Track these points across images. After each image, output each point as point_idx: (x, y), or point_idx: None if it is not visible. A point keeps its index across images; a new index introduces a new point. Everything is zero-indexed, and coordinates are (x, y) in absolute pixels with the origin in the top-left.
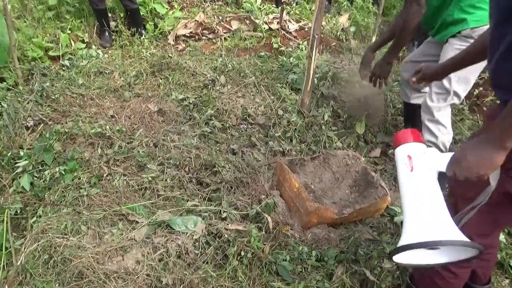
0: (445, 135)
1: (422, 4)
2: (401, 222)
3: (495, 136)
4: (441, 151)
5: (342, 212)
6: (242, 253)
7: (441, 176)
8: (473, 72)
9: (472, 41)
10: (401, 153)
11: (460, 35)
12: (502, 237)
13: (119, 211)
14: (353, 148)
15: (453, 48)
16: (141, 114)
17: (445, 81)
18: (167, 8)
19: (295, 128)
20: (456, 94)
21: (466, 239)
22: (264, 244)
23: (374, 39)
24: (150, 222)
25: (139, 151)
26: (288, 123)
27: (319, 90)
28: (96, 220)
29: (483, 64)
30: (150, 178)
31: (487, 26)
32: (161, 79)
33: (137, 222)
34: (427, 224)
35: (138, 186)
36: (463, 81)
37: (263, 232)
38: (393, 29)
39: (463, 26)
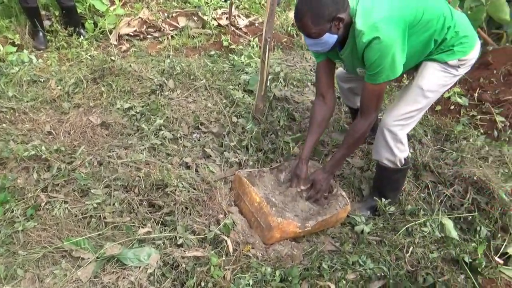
0: (403, 153)
1: (378, 112)
2: (362, 231)
3: None
4: (397, 167)
5: (305, 225)
6: (202, 284)
7: None
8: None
9: (456, 71)
10: None
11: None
12: (455, 234)
13: (61, 247)
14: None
15: (435, 69)
16: (82, 128)
17: (413, 106)
18: (107, 5)
19: (251, 136)
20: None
21: None
22: (225, 270)
23: None
24: (97, 257)
25: (81, 173)
26: (243, 130)
27: (271, 92)
28: (35, 261)
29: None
30: (95, 205)
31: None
32: (103, 86)
33: (82, 259)
34: None
35: (82, 214)
36: (431, 103)
37: (223, 257)
38: (321, 127)
39: (449, 57)
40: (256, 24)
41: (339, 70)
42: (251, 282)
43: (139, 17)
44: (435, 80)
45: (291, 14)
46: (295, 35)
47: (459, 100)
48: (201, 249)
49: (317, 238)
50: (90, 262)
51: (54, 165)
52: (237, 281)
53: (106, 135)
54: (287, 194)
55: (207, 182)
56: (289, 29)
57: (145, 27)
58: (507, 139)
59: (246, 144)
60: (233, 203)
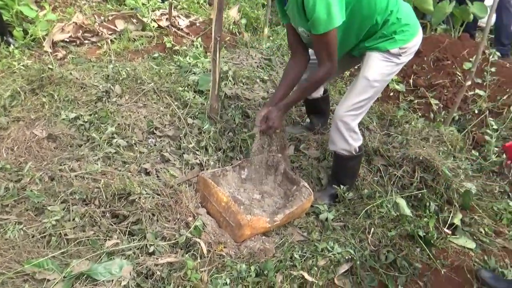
0: (357, 141)
1: (335, 63)
2: (326, 219)
3: None
4: (352, 155)
5: (273, 219)
6: None
7: None
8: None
9: (399, 60)
10: None
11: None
12: (408, 211)
13: (22, 270)
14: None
15: (378, 59)
16: (26, 143)
17: (362, 96)
18: (36, 10)
19: (209, 136)
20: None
21: None
22: (201, 272)
23: (266, 30)
24: (64, 277)
25: (32, 190)
26: (199, 131)
27: (222, 91)
28: None
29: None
30: (53, 222)
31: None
32: (44, 97)
33: (48, 280)
34: None
35: (39, 234)
36: (380, 91)
37: (198, 259)
38: (291, 81)
39: (391, 45)
40: (197, 24)
41: None
42: (228, 280)
43: (73, 22)
44: (379, 69)
45: (232, 13)
46: (237, 33)
47: (397, 87)
48: (173, 254)
49: (285, 230)
50: (57, 282)
51: (0, 185)
52: (214, 282)
53: (54, 148)
54: (253, 190)
55: (170, 186)
56: (231, 27)
57: (81, 32)
58: (442, 119)
59: (204, 144)
60: (200, 205)
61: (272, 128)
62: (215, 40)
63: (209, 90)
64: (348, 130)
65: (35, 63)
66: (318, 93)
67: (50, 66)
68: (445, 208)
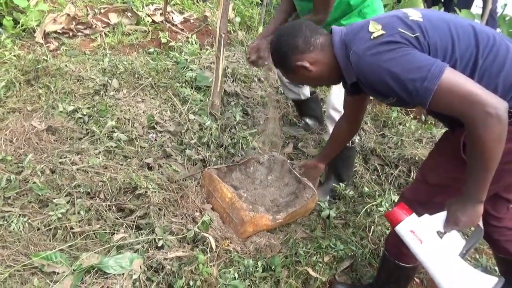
0: None
1: (327, 16)
2: (328, 216)
3: (471, 196)
4: (349, 145)
5: (276, 218)
6: (191, 283)
7: None
8: None
9: None
10: (403, 230)
11: None
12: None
13: (30, 263)
14: (269, 146)
15: None
16: (25, 135)
17: None
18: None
19: (211, 133)
20: None
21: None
22: (211, 266)
23: (260, 29)
24: (74, 270)
25: (36, 182)
26: (200, 127)
27: (222, 88)
28: (1, 282)
29: None
30: (59, 215)
31: None
32: (40, 88)
33: (57, 273)
34: (464, 280)
35: (45, 227)
36: None
37: (208, 254)
38: (282, 20)
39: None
40: (191, 21)
41: None
42: (236, 275)
43: (66, 13)
44: None
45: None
46: (232, 31)
47: None
48: (181, 249)
49: (289, 227)
50: (67, 275)
51: (2, 177)
52: (223, 276)
53: (54, 140)
54: (257, 188)
55: (175, 181)
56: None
57: (74, 23)
58: (433, 122)
59: (206, 140)
60: (205, 201)
61: (262, 58)
62: (220, 37)
63: (207, 86)
64: (336, 112)
65: (27, 54)
66: (307, 94)
67: (45, 58)
68: None
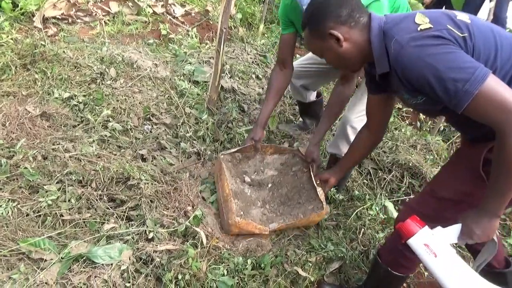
0: None
1: (354, 82)
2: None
3: (489, 209)
4: None
5: (265, 228)
6: (180, 276)
7: None
8: None
9: None
10: (417, 244)
11: None
12: (395, 214)
13: (17, 249)
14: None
15: None
16: (19, 119)
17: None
18: None
19: (207, 127)
20: None
21: None
22: (201, 262)
23: (261, 27)
24: (62, 258)
25: (27, 168)
26: (196, 121)
27: (220, 83)
28: None
29: None
30: (49, 202)
31: None
32: (36, 73)
33: (44, 260)
34: None
35: (34, 213)
36: None
37: (198, 249)
38: (279, 95)
39: None
40: (193, 14)
41: (297, 63)
42: (225, 272)
43: (67, 0)
44: None
45: None
46: (232, 27)
47: None
48: (171, 242)
49: None
50: (54, 263)
51: None
52: (213, 272)
53: (47, 126)
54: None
55: (168, 174)
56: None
57: (73, 10)
58: (428, 129)
59: (202, 134)
60: (200, 196)
61: (316, 163)
62: (221, 32)
63: (205, 81)
64: (354, 135)
65: (25, 38)
66: (312, 97)
67: (43, 43)
68: None
